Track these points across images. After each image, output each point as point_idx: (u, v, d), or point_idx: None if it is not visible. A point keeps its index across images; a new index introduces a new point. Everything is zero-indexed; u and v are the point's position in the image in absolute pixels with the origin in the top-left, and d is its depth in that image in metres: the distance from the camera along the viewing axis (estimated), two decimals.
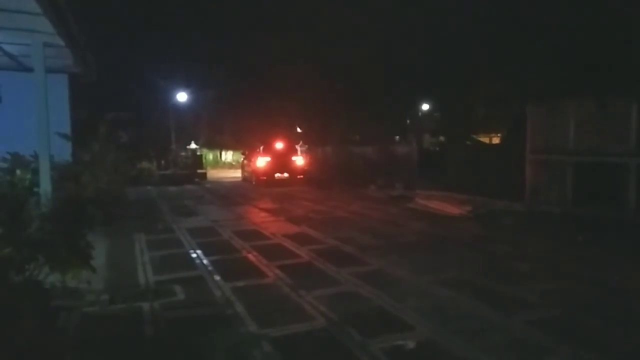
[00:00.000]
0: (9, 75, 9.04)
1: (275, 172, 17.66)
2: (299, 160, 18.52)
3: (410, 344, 3.84)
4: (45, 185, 6.38)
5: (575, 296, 4.98)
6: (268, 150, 18.16)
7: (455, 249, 7.30)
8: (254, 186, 18.23)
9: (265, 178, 17.65)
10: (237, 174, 23.77)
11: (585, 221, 8.01)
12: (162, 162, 22.12)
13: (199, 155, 24.53)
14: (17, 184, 6.81)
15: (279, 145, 18.44)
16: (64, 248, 3.44)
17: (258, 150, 18.64)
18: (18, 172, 7.17)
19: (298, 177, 17.91)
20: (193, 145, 25.88)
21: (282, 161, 17.74)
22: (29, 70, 7.10)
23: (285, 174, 17.65)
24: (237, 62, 24.42)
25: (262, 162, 17.80)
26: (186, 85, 26.10)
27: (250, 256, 6.87)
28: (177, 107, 26.72)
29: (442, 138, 20.04)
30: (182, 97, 26.37)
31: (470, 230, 8.82)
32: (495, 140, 20.12)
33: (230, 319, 4.40)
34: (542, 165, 9.51)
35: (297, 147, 24.06)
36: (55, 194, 6.36)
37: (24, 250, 3.21)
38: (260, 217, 10.79)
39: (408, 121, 23.54)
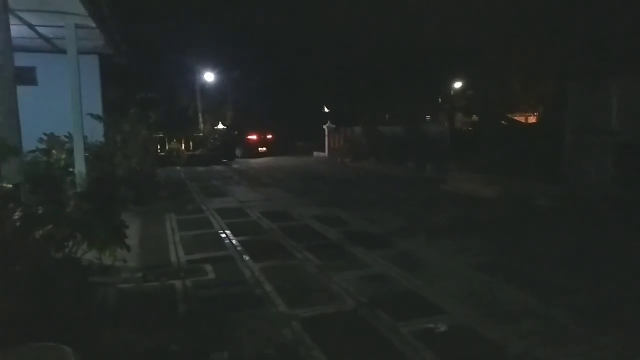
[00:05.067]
0: (44, 58, 9.26)
1: (259, 147, 25.43)
2: (272, 139, 26.10)
3: (442, 328, 3.78)
4: (79, 166, 6.55)
5: (614, 282, 4.79)
6: (254, 132, 25.65)
7: (488, 232, 7.14)
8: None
9: (252, 151, 25.05)
10: (264, 156, 25.31)
11: (627, 204, 7.65)
12: (191, 142, 22.43)
13: (227, 136, 24.76)
14: (54, 164, 7.01)
15: (260, 129, 25.77)
16: (101, 227, 3.51)
17: (248, 132, 25.65)
18: (54, 152, 7.38)
19: (271, 149, 25.57)
20: (221, 126, 26.09)
21: (263, 139, 25.80)
22: (63, 52, 7.23)
23: (265, 149, 25.46)
24: (264, 44, 24.34)
25: (251, 140, 25.66)
26: (214, 67, 26.21)
27: (278, 237, 6.91)
28: (206, 88, 26.86)
29: (475, 117, 19.41)
30: (209, 77, 26.47)
31: (504, 213, 8.60)
32: (532, 119, 19.36)
33: (260, 298, 4.44)
34: (582, 145, 9.09)
35: (325, 127, 23.93)
36: (89, 174, 6.53)
37: (63, 228, 3.29)
38: (287, 198, 10.82)
39: (440, 100, 22.91)
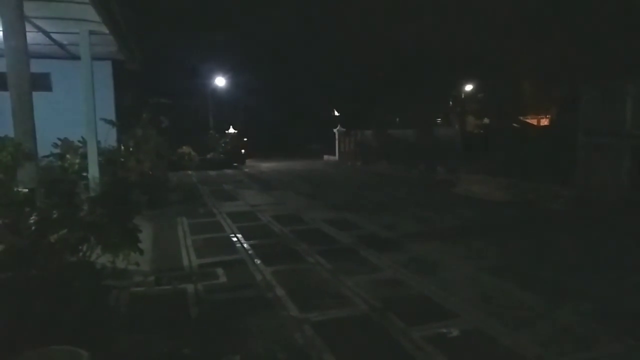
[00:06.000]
0: (58, 64, 9.42)
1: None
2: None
3: (455, 332, 3.74)
4: (93, 170, 6.63)
5: (631, 287, 4.70)
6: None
7: (500, 236, 7.06)
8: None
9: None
10: (275, 160, 25.28)
11: None
12: (202, 146, 22.56)
13: (237, 140, 24.95)
14: (68, 169, 7.11)
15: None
16: (114, 230, 3.54)
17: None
18: (68, 157, 7.49)
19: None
20: (231, 130, 26.36)
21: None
22: (77, 58, 7.34)
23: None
24: (275, 48, 24.54)
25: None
26: (225, 72, 26.51)
27: (289, 241, 6.90)
28: (216, 93, 27.18)
29: (486, 120, 19.31)
30: (220, 81, 26.73)
31: (516, 216, 8.51)
32: (544, 122, 19.22)
33: (272, 302, 4.44)
34: (595, 148, 8.97)
35: (335, 130, 23.95)
36: (102, 178, 6.60)
37: (77, 232, 3.32)
38: (298, 201, 10.82)
39: (450, 102, 22.83)
